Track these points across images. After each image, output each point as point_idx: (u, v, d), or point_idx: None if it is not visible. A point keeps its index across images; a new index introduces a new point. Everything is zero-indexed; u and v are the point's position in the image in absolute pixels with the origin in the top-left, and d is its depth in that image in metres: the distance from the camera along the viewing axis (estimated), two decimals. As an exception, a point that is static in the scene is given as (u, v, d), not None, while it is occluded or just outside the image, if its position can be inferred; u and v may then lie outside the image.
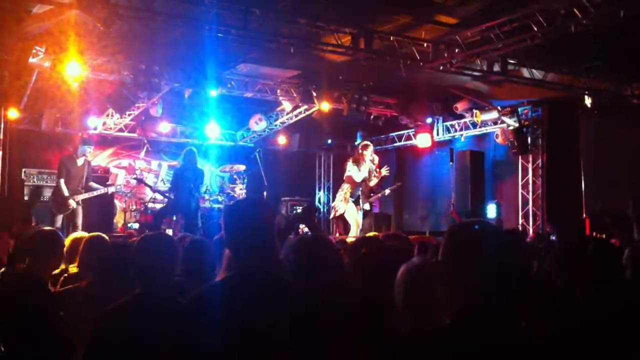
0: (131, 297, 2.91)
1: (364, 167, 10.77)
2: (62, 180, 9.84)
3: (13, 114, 11.17)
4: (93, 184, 10.25)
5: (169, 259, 3.04)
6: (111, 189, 10.48)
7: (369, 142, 11.17)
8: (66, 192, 9.78)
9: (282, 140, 15.30)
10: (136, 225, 12.21)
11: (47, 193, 11.15)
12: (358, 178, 10.75)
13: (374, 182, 10.98)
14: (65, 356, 3.42)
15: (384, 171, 11.03)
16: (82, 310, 3.54)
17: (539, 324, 2.35)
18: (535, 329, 2.10)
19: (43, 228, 4.80)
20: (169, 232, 10.11)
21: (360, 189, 10.91)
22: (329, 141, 16.17)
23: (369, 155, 10.83)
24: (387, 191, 11.45)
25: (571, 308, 2.59)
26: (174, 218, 11.18)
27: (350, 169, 10.82)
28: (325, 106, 11.80)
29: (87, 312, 3.28)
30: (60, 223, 9.75)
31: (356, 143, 15.13)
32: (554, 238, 9.79)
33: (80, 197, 9.91)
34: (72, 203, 9.78)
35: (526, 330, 1.85)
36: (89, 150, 10.25)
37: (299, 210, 14.45)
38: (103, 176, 11.83)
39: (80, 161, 10.06)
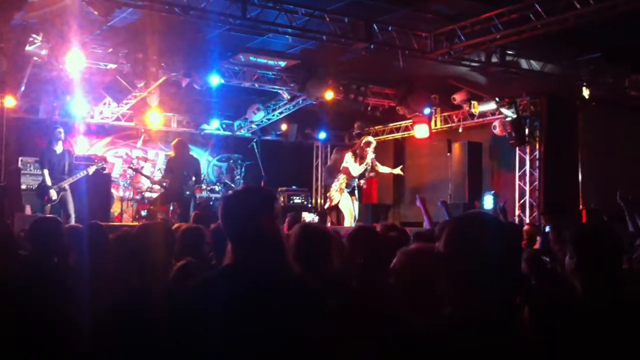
0: (129, 287, 2.90)
1: (363, 162, 10.75)
2: (46, 171, 9.82)
3: (10, 102, 11.10)
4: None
5: (165, 249, 3.03)
6: (92, 169, 10.34)
7: (372, 140, 11.07)
8: (49, 182, 9.77)
9: (284, 126, 15.20)
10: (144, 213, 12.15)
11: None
12: (355, 173, 10.74)
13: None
14: (65, 345, 3.41)
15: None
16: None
17: (538, 319, 2.34)
18: (533, 324, 2.09)
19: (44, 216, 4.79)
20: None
21: (356, 180, 10.91)
22: (323, 136, 16.09)
23: (371, 152, 10.79)
24: (362, 182, 11.37)
25: (571, 302, 2.57)
26: (171, 207, 11.17)
27: (348, 162, 10.79)
28: (330, 95, 11.72)
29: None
30: (49, 212, 9.72)
31: (354, 133, 15.11)
32: (549, 229, 9.81)
33: (64, 184, 9.85)
34: (53, 193, 9.74)
35: (525, 326, 1.85)
36: (59, 131, 10.12)
37: (296, 200, 14.43)
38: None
39: (58, 149, 9.99)
